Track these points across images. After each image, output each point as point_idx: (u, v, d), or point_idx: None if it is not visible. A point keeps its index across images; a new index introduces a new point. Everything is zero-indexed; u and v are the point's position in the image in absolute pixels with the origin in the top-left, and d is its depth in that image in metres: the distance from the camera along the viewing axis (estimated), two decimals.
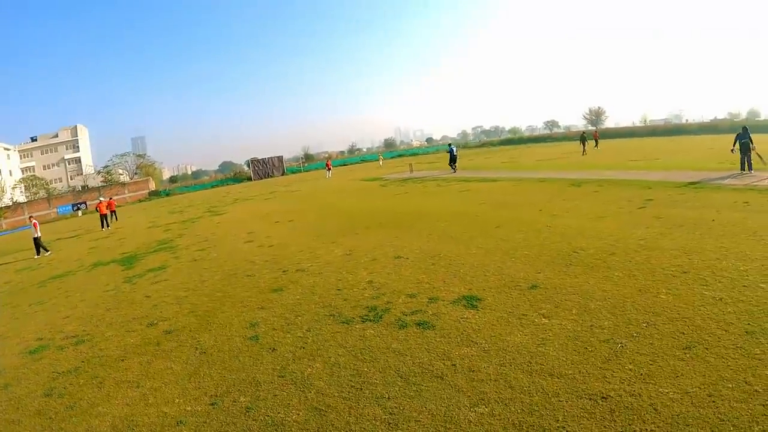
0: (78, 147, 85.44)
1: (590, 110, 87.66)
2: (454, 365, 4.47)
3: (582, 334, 4.70)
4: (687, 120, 63.80)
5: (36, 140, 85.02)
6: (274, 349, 5.54)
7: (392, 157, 65.10)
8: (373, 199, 19.23)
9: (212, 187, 56.81)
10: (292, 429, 3.88)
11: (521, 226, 10.01)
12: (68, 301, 9.70)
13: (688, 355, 4.08)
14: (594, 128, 48.93)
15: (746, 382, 3.59)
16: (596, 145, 34.19)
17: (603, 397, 3.62)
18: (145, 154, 75.58)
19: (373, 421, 3.80)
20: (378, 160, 54.45)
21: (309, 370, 4.89)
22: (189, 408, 4.54)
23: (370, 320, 5.93)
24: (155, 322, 7.31)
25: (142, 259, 13.27)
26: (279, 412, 4.16)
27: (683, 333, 4.47)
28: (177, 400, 4.72)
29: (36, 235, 18.20)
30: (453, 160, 27.53)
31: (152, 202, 49.45)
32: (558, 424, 3.36)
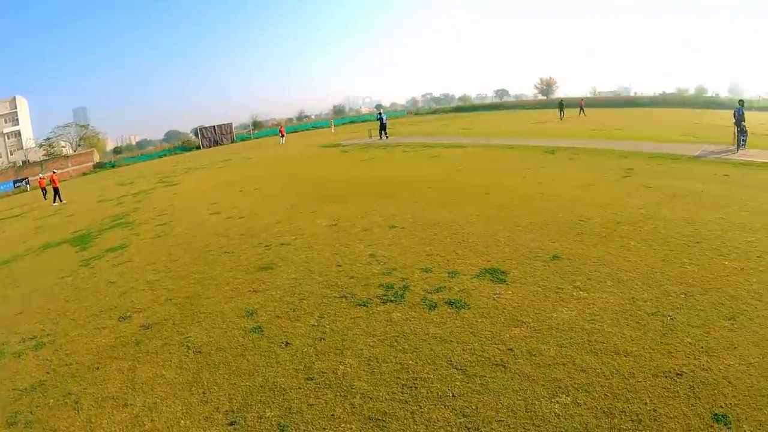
0: (17, 120, 75.51)
1: (541, 80, 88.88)
2: (511, 350, 4.12)
3: (627, 307, 4.64)
4: (635, 93, 66.30)
5: None
6: (287, 343, 4.70)
7: (343, 124, 63.85)
8: (338, 166, 18.45)
9: (159, 157, 53.57)
10: None
11: (510, 193, 9.93)
12: (18, 292, 8.27)
13: (735, 326, 4.13)
14: (581, 97, 49.16)
15: None
16: (581, 113, 34.21)
17: (678, 374, 3.56)
18: (87, 125, 68.63)
19: (447, 427, 3.26)
20: (329, 126, 53.37)
21: (342, 368, 4.16)
22: None
23: (392, 301, 5.33)
24: (128, 314, 6.21)
25: (97, 237, 11.82)
26: (324, 428, 3.43)
27: (722, 304, 4.53)
28: (182, 422, 3.75)
29: None
30: (383, 127, 27.45)
31: (98, 174, 44.73)
32: (648, 407, 3.25)
